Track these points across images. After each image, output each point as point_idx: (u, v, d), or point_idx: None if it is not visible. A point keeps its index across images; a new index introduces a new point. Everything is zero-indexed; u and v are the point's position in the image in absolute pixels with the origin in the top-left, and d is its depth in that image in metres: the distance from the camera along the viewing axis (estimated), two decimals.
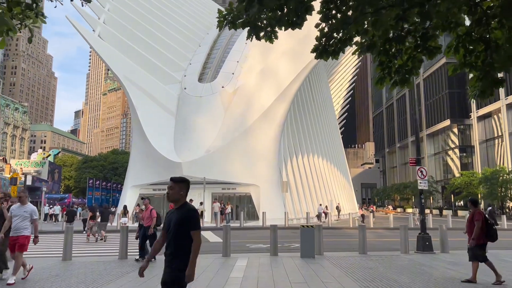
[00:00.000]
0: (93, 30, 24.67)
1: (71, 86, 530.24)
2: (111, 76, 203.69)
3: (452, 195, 46.18)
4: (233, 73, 23.04)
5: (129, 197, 21.41)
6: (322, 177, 27.96)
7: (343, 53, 4.52)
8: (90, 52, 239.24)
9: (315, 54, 4.22)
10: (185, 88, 22.85)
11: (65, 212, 20.34)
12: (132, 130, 23.93)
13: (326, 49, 4.10)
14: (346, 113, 67.15)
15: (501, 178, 33.77)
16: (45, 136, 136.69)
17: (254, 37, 4.19)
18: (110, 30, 24.55)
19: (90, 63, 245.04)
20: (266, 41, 4.12)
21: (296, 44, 21.98)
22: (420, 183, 9.69)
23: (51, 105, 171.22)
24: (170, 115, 22.14)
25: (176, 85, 23.47)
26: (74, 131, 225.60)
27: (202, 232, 14.91)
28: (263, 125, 20.83)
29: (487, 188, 34.78)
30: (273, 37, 4.07)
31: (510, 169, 34.98)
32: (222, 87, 22.12)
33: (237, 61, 24.15)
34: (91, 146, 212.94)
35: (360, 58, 58.81)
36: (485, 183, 34.88)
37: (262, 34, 4.05)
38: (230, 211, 19.47)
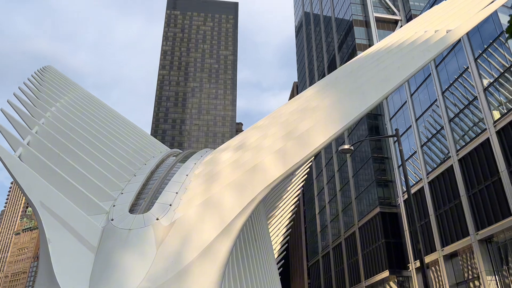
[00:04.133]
0: (14, 151, 21.79)
1: None
2: (30, 214, 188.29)
3: None
4: (170, 205, 20.52)
5: None
6: None
7: None
8: (10, 187, 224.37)
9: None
10: (112, 220, 19.68)
11: None
12: (38, 267, 19.48)
13: None
14: (283, 261, 64.16)
15: None
16: None
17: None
18: (34, 153, 21.79)
19: (7, 198, 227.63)
20: None
21: (243, 175, 20.50)
22: None
23: None
24: (90, 251, 18.41)
25: (102, 216, 20.26)
26: None
27: None
28: (202, 264, 17.70)
29: None
30: None
31: None
32: (157, 219, 19.29)
33: (176, 192, 21.88)
34: None
35: (297, 201, 58.87)
36: None
37: None
38: None
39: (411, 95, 46.45)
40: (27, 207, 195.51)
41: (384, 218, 49.77)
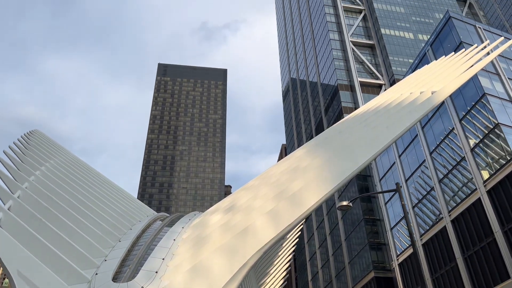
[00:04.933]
0: None
1: None
2: (6, 287, 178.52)
3: None
4: (156, 272, 19.42)
5: None
6: None
7: None
8: None
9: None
10: None
11: None
12: None
13: None
14: None
15: None
16: None
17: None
18: (15, 218, 20.85)
19: None
20: None
21: (233, 238, 19.72)
22: None
23: None
24: None
25: (83, 285, 19.01)
26: None
27: None
28: None
29: None
30: None
31: None
32: (142, 287, 18.13)
33: (163, 258, 20.83)
34: None
35: (289, 267, 56.80)
36: None
37: None
38: None
39: (399, 156, 46.84)
40: (4, 278, 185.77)
41: (379, 284, 48.01)
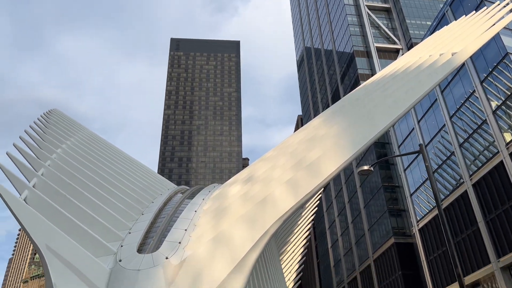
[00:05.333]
0: (20, 194, 21.42)
1: None
2: (37, 261, 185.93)
3: None
4: (179, 242, 19.83)
5: None
6: None
7: None
8: (18, 234, 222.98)
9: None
10: (120, 261, 18.97)
11: None
12: None
13: None
14: None
15: None
16: None
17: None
18: (40, 195, 21.41)
19: (15, 247, 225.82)
20: None
21: (253, 208, 19.89)
22: None
23: None
24: None
25: (109, 257, 19.57)
26: None
27: None
28: None
29: None
30: None
31: None
32: (166, 258, 18.56)
33: (185, 229, 21.21)
34: None
35: (308, 235, 57.49)
36: None
37: None
38: None
39: (418, 121, 46.08)
40: (35, 254, 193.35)
41: (400, 249, 48.24)
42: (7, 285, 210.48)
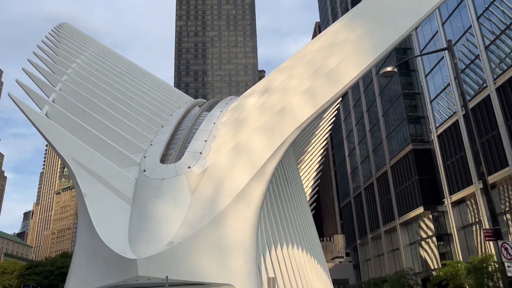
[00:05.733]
0: (40, 110, 21.70)
1: (23, 188, 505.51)
2: (67, 174, 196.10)
3: None
4: (200, 153, 20.28)
5: None
6: (304, 272, 24.22)
7: None
8: (46, 150, 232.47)
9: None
10: (144, 171, 19.66)
11: None
12: (78, 224, 19.91)
13: None
14: (315, 203, 64.80)
15: (490, 267, 31.11)
16: None
17: None
18: (60, 110, 21.65)
19: (44, 161, 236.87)
20: None
21: (271, 118, 19.89)
22: (508, 267, 6.62)
23: None
24: (126, 202, 18.58)
25: (134, 168, 20.28)
26: (21, 234, 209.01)
27: None
28: (237, 209, 17.63)
29: (477, 279, 31.92)
30: None
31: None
32: (189, 167, 19.14)
33: (205, 140, 21.56)
34: (40, 249, 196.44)
35: (326, 144, 58.30)
36: (475, 273, 32.04)
37: None
38: None
39: (443, 23, 43.64)
40: (63, 167, 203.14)
41: (417, 155, 48.71)
42: (41, 197, 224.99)
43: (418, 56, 38.42)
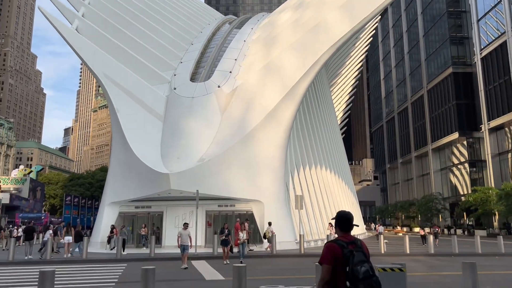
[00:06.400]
0: (71, 24, 21.50)
1: (62, 105, 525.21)
2: (102, 93, 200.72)
3: (464, 213, 43.15)
4: (230, 72, 19.94)
5: (106, 216, 17.95)
6: (332, 192, 24.64)
7: None
8: (81, 68, 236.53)
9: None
10: (174, 89, 19.65)
11: (22, 230, 18.13)
12: (112, 138, 20.54)
13: None
14: (346, 127, 64.36)
15: None
16: (31, 153, 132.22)
17: None
18: (90, 25, 21.39)
19: (80, 80, 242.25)
20: None
21: (304, 35, 19.01)
22: None
23: (39, 122, 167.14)
24: (157, 118, 18.87)
25: (164, 85, 20.28)
26: (63, 149, 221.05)
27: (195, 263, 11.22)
28: (267, 129, 17.60)
29: (508, 205, 31.73)
30: None
31: None
32: (218, 86, 18.95)
33: (235, 59, 21.08)
34: (81, 164, 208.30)
35: (361, 67, 56.30)
36: (506, 200, 31.78)
37: None
38: (245, 237, 13.70)
39: None
40: (99, 86, 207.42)
41: (457, 79, 46.40)
42: (79, 114, 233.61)
43: None
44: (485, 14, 41.43)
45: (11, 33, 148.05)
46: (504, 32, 38.06)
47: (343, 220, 2.87)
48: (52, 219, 39.17)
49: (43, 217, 34.01)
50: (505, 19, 38.12)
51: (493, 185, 38.67)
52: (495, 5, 39.89)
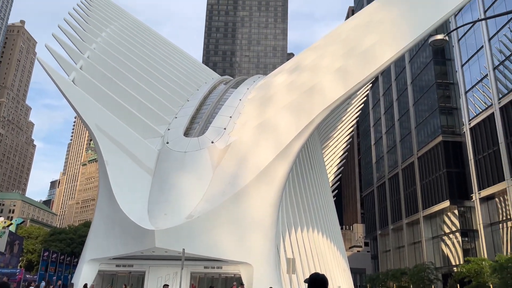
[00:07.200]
0: (68, 76, 21.62)
1: (52, 157, 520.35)
2: (93, 146, 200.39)
3: (458, 285, 41.79)
4: (225, 128, 19.86)
5: (84, 274, 16.87)
6: (323, 257, 23.74)
7: None
8: (74, 121, 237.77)
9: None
10: (167, 143, 19.42)
11: None
12: (98, 191, 19.90)
13: None
14: (336, 190, 63.98)
15: None
16: (14, 205, 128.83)
17: None
18: (87, 77, 21.52)
19: (73, 132, 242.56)
20: None
21: (299, 96, 19.19)
22: None
23: (25, 173, 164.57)
24: (147, 172, 18.42)
25: (157, 139, 20.07)
26: (47, 202, 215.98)
27: None
28: (259, 187, 17.19)
29: (502, 278, 30.77)
30: None
31: None
32: (212, 142, 18.75)
33: (230, 116, 21.12)
34: (64, 218, 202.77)
35: (352, 132, 57.12)
36: (500, 272, 30.86)
37: None
38: None
39: (485, 11, 41.43)
40: (90, 140, 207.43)
41: (447, 147, 47.01)
42: (68, 167, 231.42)
43: (477, 21, 36.55)
44: (472, 87, 42.89)
45: (8, 84, 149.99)
46: (491, 104, 39.18)
47: (318, 284, 2.45)
48: (27, 276, 37.07)
49: (17, 273, 32.17)
50: (491, 92, 39.42)
51: (486, 255, 37.82)
52: (482, 79, 41.43)
